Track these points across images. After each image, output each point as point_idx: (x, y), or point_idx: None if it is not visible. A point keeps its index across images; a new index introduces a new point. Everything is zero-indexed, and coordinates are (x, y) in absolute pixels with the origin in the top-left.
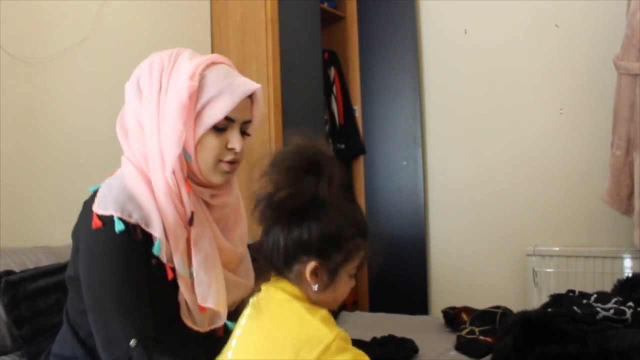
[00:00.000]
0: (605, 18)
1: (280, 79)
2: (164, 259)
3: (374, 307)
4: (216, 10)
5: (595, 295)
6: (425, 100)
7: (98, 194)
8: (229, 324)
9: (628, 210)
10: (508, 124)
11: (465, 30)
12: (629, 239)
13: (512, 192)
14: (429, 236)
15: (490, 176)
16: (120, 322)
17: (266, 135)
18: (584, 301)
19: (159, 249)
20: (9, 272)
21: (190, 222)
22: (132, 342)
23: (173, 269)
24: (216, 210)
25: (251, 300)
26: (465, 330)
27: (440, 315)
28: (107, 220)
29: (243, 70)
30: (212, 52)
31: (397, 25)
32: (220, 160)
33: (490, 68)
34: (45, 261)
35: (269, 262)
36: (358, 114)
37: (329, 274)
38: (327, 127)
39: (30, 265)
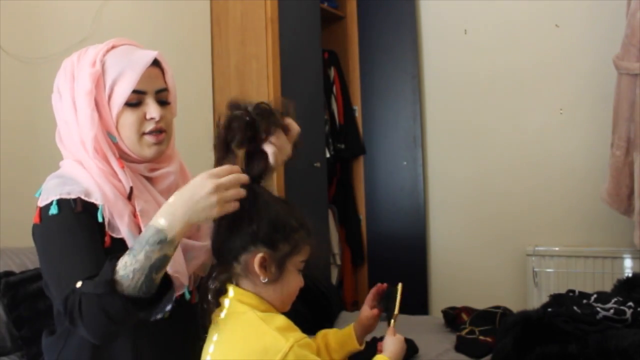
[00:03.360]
0: (605, 18)
1: (280, 79)
2: (106, 227)
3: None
4: (216, 10)
5: (595, 295)
6: (425, 100)
7: (42, 192)
8: (188, 294)
9: (628, 210)
10: (508, 124)
11: (465, 30)
12: (629, 239)
13: (512, 192)
14: (429, 236)
15: (490, 176)
16: (68, 269)
17: None
18: (584, 301)
19: (101, 217)
20: (9, 273)
21: (129, 196)
22: (79, 283)
23: (113, 239)
24: (160, 182)
25: (213, 319)
26: (465, 330)
27: (440, 315)
28: (46, 210)
29: (243, 70)
30: (212, 52)
31: (397, 25)
32: (143, 134)
33: (490, 68)
34: None
35: (217, 258)
36: (358, 114)
37: (277, 265)
38: (327, 127)
39: (31, 266)
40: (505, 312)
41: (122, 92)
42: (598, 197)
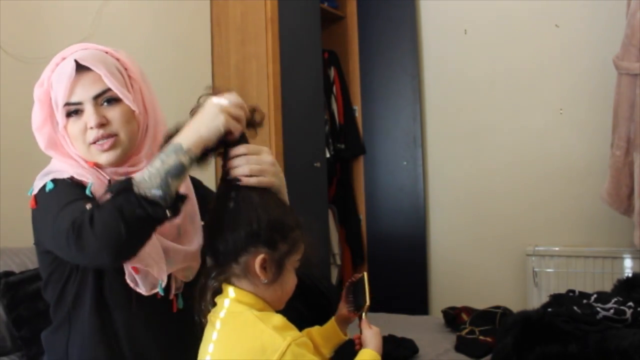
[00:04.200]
0: (605, 18)
1: (280, 79)
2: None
3: (374, 307)
4: (216, 10)
5: (595, 295)
6: (425, 100)
7: (34, 186)
8: (161, 290)
9: (628, 210)
10: (508, 124)
11: (465, 30)
12: (629, 239)
13: (512, 192)
14: (429, 236)
15: (490, 176)
16: (73, 205)
17: (266, 135)
18: (584, 301)
19: (89, 192)
20: (8, 273)
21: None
22: (88, 205)
23: None
24: None
25: (209, 318)
26: (465, 330)
27: (440, 315)
28: (42, 190)
29: (243, 70)
30: (212, 52)
31: (397, 25)
32: (91, 143)
33: (490, 68)
34: None
35: (215, 260)
36: (358, 114)
37: (276, 265)
38: (327, 127)
39: (31, 266)
40: (505, 312)
41: (60, 108)
42: (598, 197)
